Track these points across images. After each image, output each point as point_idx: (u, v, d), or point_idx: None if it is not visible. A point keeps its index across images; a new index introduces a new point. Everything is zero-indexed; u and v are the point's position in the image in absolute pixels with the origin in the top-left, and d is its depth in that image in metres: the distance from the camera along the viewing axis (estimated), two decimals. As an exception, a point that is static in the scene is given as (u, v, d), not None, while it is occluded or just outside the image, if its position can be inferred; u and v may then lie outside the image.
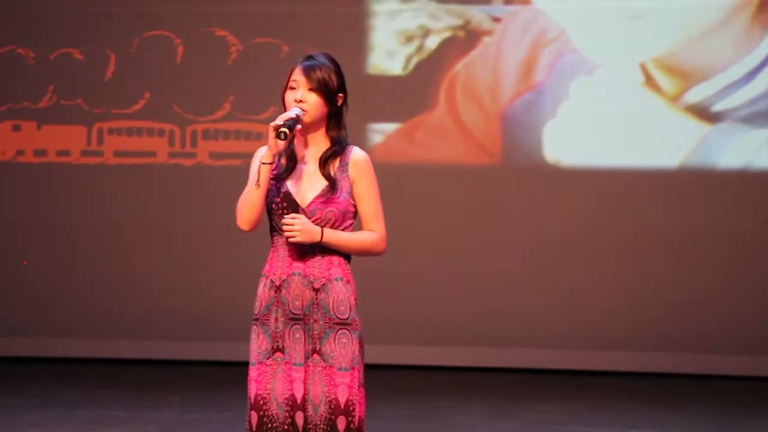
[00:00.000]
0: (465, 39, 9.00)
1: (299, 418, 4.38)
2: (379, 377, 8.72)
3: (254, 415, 4.40)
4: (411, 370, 9.00)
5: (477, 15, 8.97)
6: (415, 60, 9.06)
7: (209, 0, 9.16)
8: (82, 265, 9.28)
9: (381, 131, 9.11)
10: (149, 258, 9.25)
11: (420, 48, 9.05)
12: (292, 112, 4.36)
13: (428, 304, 9.04)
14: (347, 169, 4.43)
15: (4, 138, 9.32)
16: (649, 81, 8.86)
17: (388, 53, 9.08)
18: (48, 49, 9.26)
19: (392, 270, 8.90)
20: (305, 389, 4.38)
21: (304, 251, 4.39)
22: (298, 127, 4.37)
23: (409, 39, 9.07)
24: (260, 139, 8.78)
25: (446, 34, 9.02)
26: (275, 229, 4.44)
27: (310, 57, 4.46)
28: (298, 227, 4.32)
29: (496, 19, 8.97)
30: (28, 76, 9.26)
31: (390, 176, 9.06)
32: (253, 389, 4.41)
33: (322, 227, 4.37)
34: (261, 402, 4.39)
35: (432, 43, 9.03)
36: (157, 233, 9.24)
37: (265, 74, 8.98)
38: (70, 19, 9.22)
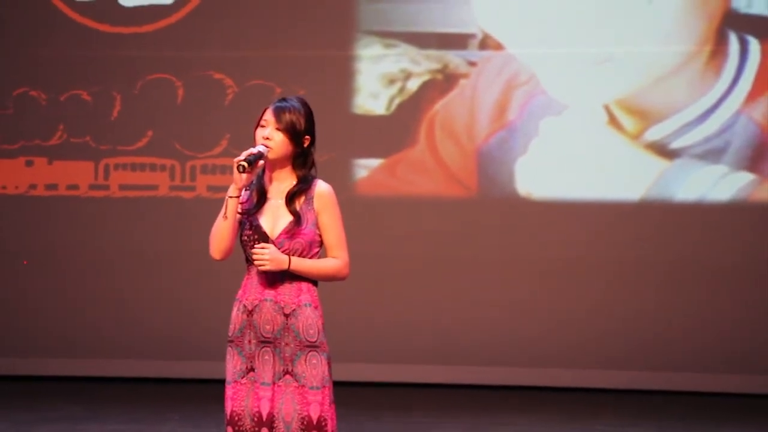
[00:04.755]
0: (443, 81, 8.99)
1: (263, 433, 4.36)
2: (365, 394, 8.73)
3: (230, 431, 4.39)
4: (396, 387, 8.91)
5: (454, 59, 8.97)
6: (397, 101, 9.05)
7: (207, 46, 9.15)
8: (90, 290, 9.23)
9: (366, 166, 9.09)
10: (152, 283, 9.20)
11: (402, 90, 9.05)
12: (255, 149, 4.33)
13: (411, 325, 8.98)
14: (312, 202, 4.40)
15: (18, 173, 9.30)
16: (613, 120, 8.85)
17: (372, 95, 9.06)
18: (58, 91, 9.24)
19: (377, 293, 8.90)
20: (272, 407, 4.34)
21: (274, 278, 4.36)
22: (261, 162, 4.33)
23: (391, 81, 9.06)
24: (255, 173, 8.76)
25: (426, 77, 9.02)
26: (248, 260, 4.42)
27: (282, 99, 4.43)
28: (267, 256, 4.29)
29: (472, 63, 8.97)
30: (40, 116, 9.24)
31: (374, 208, 9.18)
32: (229, 407, 4.39)
33: (289, 256, 4.33)
34: (236, 418, 4.38)
35: (413, 85, 9.02)
36: (160, 260, 9.20)
37: (259, 114, 8.94)
38: (79, 63, 9.21)
